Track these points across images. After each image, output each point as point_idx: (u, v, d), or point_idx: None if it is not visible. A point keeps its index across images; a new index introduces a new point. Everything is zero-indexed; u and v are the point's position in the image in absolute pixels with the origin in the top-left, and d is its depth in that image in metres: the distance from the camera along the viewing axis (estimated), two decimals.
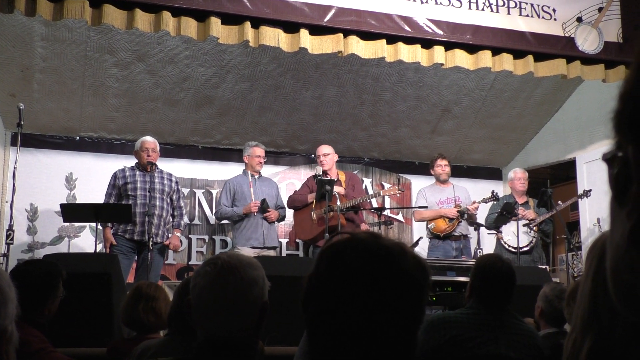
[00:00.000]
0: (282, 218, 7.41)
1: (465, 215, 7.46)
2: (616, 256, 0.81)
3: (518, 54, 7.12)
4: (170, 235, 6.76)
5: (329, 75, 7.75)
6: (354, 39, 6.57)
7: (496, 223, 7.48)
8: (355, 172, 8.47)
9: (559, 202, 7.44)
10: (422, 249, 7.56)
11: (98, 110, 7.67)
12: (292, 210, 7.54)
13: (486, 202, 7.51)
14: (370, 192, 8.47)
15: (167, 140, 8.14)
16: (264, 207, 7.01)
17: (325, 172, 7.28)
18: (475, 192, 8.11)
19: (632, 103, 0.77)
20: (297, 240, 8.35)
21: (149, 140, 6.73)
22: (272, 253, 7.08)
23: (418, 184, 8.37)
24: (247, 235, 7.02)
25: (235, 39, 6.26)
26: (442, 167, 7.69)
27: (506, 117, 8.77)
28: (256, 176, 7.28)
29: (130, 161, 6.94)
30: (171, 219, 6.79)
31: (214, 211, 7.45)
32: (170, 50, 7.13)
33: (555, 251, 9.71)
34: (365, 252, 1.25)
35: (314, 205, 7.14)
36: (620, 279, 0.81)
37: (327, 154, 7.34)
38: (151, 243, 6.24)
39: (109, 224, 6.46)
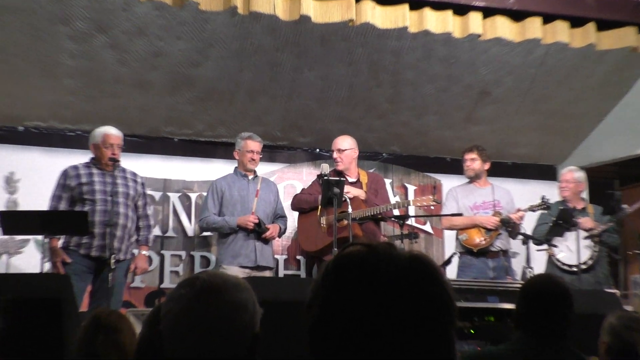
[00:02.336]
0: (282, 232, 7.40)
1: (510, 227, 7.40)
2: None
3: (575, 22, 7.10)
4: (134, 252, 6.72)
5: (337, 51, 7.74)
6: (368, 5, 6.56)
7: (550, 235, 7.44)
8: (371, 171, 8.46)
9: (625, 206, 7.39)
10: (451, 269, 7.53)
11: (48, 94, 7.68)
12: (296, 214, 7.58)
13: (534, 211, 7.47)
14: (394, 199, 8.40)
15: (134, 131, 8.12)
16: (261, 230, 7.04)
17: (340, 172, 7.26)
18: (522, 196, 8.07)
19: None
20: (297, 257, 8.36)
21: (115, 134, 6.72)
22: (266, 274, 7.08)
23: (450, 185, 8.31)
24: (236, 251, 7.02)
25: (220, 5, 6.25)
26: (467, 162, 7.69)
27: (561, 101, 8.76)
28: (250, 176, 7.29)
29: (88, 157, 6.90)
30: (135, 232, 6.76)
31: (197, 219, 7.44)
32: (139, 19, 7.12)
33: (627, 270, 9.66)
34: (399, 266, 1.26)
35: (320, 210, 7.14)
36: None
37: (344, 149, 7.35)
38: (113, 261, 6.21)
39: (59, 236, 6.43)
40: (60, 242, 6.44)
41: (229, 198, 7.17)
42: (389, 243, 1.33)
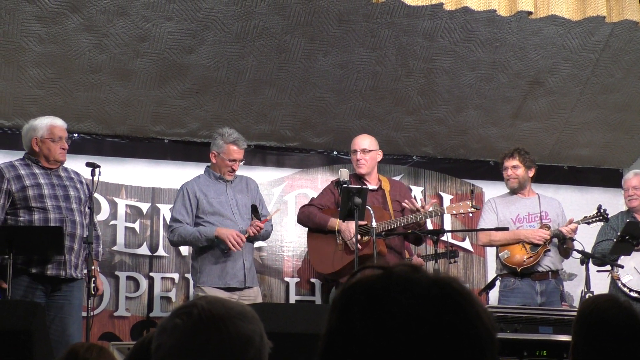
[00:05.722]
0: (266, 234, 7.35)
1: (562, 242, 7.38)
2: None
3: None
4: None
5: (358, 33, 7.78)
6: None
7: (614, 253, 7.43)
8: (399, 178, 8.47)
9: None
10: (493, 294, 7.54)
11: (11, 86, 7.73)
12: (305, 228, 7.57)
13: (589, 223, 7.49)
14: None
15: (116, 130, 8.20)
16: (257, 217, 7.00)
17: (359, 177, 7.27)
18: (580, 206, 8.09)
19: None
20: (312, 279, 8.40)
21: (61, 125, 6.70)
22: (252, 295, 7.04)
23: (495, 194, 8.23)
24: (221, 270, 6.97)
25: None
26: (508, 170, 7.65)
27: (629, 92, 8.76)
28: (229, 178, 7.19)
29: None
30: None
31: (166, 230, 7.37)
32: None
33: None
34: (413, 293, 1.26)
35: (339, 225, 7.10)
36: None
37: (368, 149, 7.36)
38: (93, 286, 6.23)
39: None
40: None
41: (206, 206, 7.06)
42: (412, 265, 1.33)
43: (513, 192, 7.72)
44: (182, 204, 7.07)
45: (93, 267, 6.56)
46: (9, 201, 6.41)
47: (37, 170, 6.54)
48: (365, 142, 7.39)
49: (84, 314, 6.36)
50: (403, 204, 7.17)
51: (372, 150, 7.36)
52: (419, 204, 7.00)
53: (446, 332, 1.23)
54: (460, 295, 1.29)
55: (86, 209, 6.65)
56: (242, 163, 7.26)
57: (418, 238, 7.32)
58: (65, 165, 6.79)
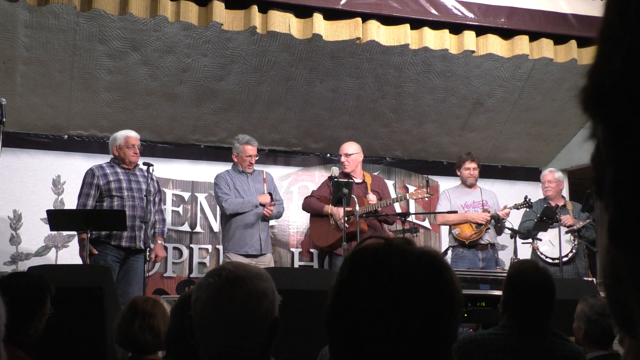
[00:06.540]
0: (279, 214, 7.41)
1: (497, 222, 7.48)
2: (604, 260, 0.80)
3: (559, 39, 7.10)
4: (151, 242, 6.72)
5: (345, 65, 7.76)
6: (373, 24, 6.58)
7: (534, 230, 7.46)
8: (376, 173, 8.47)
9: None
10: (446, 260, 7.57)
11: (88, 105, 7.71)
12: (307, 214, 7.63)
13: (518, 209, 7.57)
14: (394, 195, 8.46)
15: (165, 138, 8.18)
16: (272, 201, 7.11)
17: (347, 175, 7.29)
18: (510, 196, 8.12)
19: (597, 78, 0.77)
20: (311, 249, 8.38)
21: (135, 136, 6.80)
22: (266, 260, 7.05)
23: (447, 186, 8.34)
24: (243, 241, 7.00)
25: (241, 25, 6.29)
26: (470, 170, 7.73)
27: (546, 111, 8.74)
28: (249, 171, 7.25)
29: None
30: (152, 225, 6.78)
31: (222, 203, 7.17)
32: (169, 38, 7.16)
33: None
34: (407, 259, 1.27)
35: (331, 210, 7.16)
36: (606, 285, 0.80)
37: (350, 153, 7.38)
38: (148, 254, 6.28)
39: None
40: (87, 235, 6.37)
41: (233, 190, 7.12)
42: (406, 239, 1.35)
43: (470, 186, 7.77)
44: (226, 184, 7.11)
45: (160, 243, 6.80)
46: (98, 192, 6.56)
47: (118, 170, 6.69)
48: (346, 149, 7.44)
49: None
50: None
51: (352, 154, 7.38)
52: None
53: (430, 290, 1.25)
54: (441, 264, 1.30)
55: (155, 199, 6.78)
56: (256, 158, 7.30)
57: (386, 221, 7.44)
58: None
